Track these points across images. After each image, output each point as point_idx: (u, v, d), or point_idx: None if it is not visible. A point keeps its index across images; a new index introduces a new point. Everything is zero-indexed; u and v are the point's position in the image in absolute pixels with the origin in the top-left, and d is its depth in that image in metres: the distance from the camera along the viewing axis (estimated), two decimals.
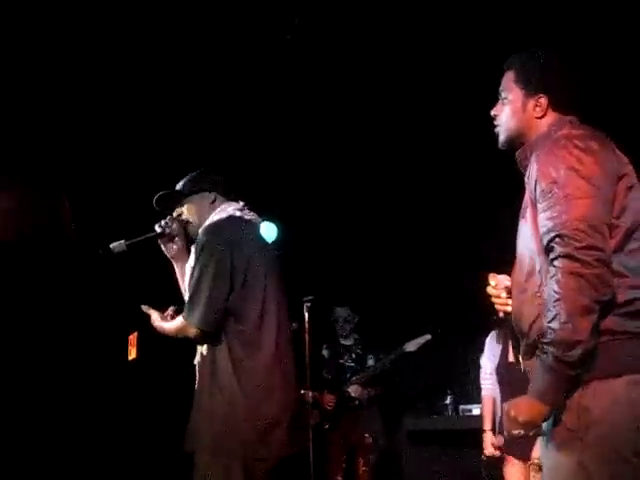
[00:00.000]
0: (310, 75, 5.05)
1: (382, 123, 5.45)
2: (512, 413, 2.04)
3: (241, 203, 3.25)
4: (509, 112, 2.37)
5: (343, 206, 6.18)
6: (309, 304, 5.14)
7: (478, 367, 4.97)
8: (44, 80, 4.98)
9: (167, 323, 3.17)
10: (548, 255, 2.03)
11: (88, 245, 3.14)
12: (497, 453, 4.61)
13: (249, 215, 3.24)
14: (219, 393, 2.93)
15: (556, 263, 1.98)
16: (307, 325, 5.13)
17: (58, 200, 6.09)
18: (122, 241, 3.20)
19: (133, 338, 6.70)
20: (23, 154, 5.64)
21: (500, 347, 4.64)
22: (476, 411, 5.68)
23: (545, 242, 2.04)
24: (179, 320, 3.10)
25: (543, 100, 2.31)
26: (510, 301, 2.30)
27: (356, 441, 5.74)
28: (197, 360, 3.10)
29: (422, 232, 6.12)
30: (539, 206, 2.09)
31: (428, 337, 5.61)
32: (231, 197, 3.29)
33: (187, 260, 3.27)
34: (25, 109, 5.25)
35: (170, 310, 3.27)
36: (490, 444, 4.66)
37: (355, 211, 6.19)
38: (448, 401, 5.87)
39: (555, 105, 2.32)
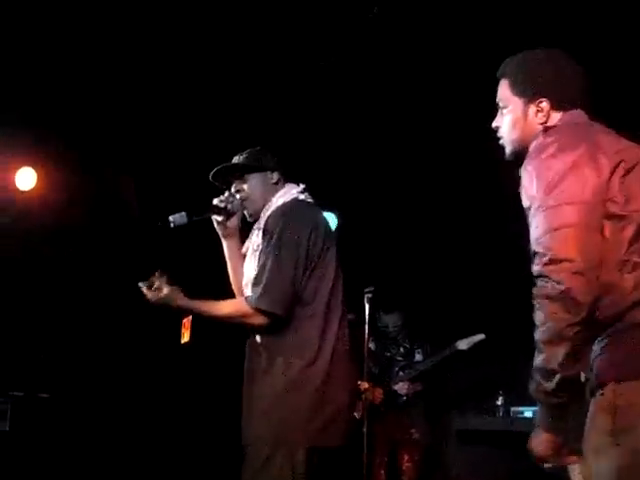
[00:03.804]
0: (373, 66, 5.02)
1: (446, 119, 5.37)
2: (530, 449, 2.00)
3: (302, 186, 3.15)
4: (510, 123, 2.23)
5: (401, 198, 6.13)
6: (370, 295, 5.03)
7: (530, 369, 4.88)
8: (113, 71, 5.09)
9: (213, 305, 2.94)
10: None
11: (150, 224, 3.01)
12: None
13: (310, 199, 3.14)
14: (281, 380, 2.81)
15: (534, 285, 1.90)
16: (368, 316, 5.03)
17: (124, 181, 6.21)
18: (183, 213, 2.96)
19: (187, 322, 6.77)
20: (94, 140, 5.78)
21: None
22: (528, 413, 5.59)
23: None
24: (235, 304, 2.96)
25: (544, 104, 2.16)
26: None
27: (400, 436, 5.69)
28: (248, 346, 2.99)
29: (484, 232, 6.03)
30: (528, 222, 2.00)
31: (482, 336, 5.51)
32: (291, 179, 3.18)
33: (239, 240, 3.16)
34: (94, 100, 5.37)
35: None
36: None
37: (412, 204, 6.14)
38: (499, 402, 5.77)
39: (558, 104, 2.16)
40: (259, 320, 2.86)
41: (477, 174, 5.60)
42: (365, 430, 4.88)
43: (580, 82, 2.21)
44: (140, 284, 2.91)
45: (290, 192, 3.10)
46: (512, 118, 2.23)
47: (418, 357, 5.85)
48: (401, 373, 5.77)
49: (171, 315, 6.59)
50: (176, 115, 5.53)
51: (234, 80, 5.16)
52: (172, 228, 2.96)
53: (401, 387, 5.69)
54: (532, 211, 1.95)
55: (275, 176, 3.14)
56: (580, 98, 2.19)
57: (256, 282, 2.89)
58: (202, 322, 6.47)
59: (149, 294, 2.91)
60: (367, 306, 5.05)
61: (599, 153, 1.97)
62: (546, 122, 2.16)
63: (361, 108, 5.40)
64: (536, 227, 1.92)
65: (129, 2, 4.49)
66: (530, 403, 5.52)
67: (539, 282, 1.87)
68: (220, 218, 3.11)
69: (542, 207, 1.92)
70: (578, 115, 2.17)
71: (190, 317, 6.69)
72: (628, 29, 4.18)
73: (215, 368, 6.25)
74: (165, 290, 2.90)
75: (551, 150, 1.99)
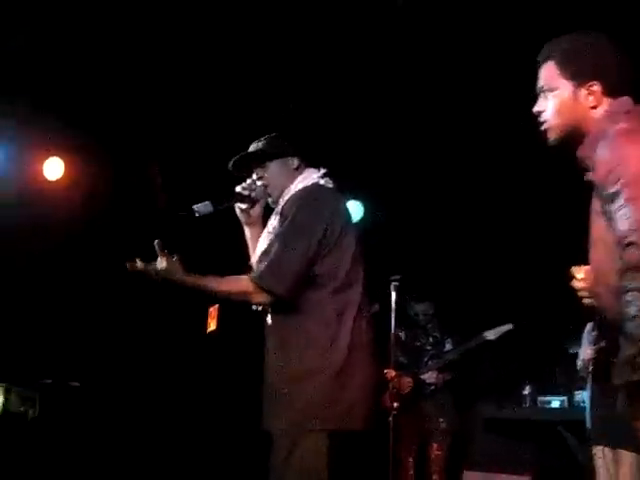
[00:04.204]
0: (403, 55, 4.98)
1: (474, 111, 5.32)
2: None
3: (322, 170, 3.10)
4: (557, 106, 2.15)
5: (432, 186, 6.09)
6: (397, 283, 4.97)
7: (559, 359, 4.85)
8: (141, 62, 5.10)
9: (213, 280, 2.86)
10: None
11: (176, 212, 2.97)
12: None
13: (330, 184, 3.09)
14: (298, 369, 2.78)
15: (625, 276, 1.84)
16: (394, 305, 4.95)
17: (150, 169, 6.24)
18: (207, 202, 2.91)
19: (214, 311, 6.78)
20: (120, 129, 5.80)
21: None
22: (555, 403, 5.57)
23: (620, 251, 1.88)
24: (238, 280, 2.87)
25: (596, 87, 2.11)
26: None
27: (429, 426, 5.67)
28: (265, 337, 2.95)
29: (512, 221, 5.98)
30: (612, 209, 1.94)
31: (510, 326, 5.45)
32: (311, 164, 3.14)
33: (261, 228, 3.11)
34: (121, 89, 5.39)
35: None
36: None
37: (443, 193, 6.10)
38: (527, 391, 5.75)
39: (609, 89, 2.11)
40: (261, 298, 2.82)
41: (508, 162, 5.56)
42: (391, 419, 4.86)
43: (629, 69, 2.16)
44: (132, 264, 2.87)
45: (311, 177, 3.06)
46: (559, 102, 2.16)
47: (448, 347, 5.79)
48: (430, 362, 5.74)
49: (197, 304, 6.64)
50: (202, 105, 5.53)
51: (259, 68, 5.14)
52: (197, 217, 2.92)
53: (430, 376, 5.65)
54: (618, 200, 1.89)
55: (296, 161, 3.10)
56: (628, 85, 2.14)
57: (262, 260, 2.86)
58: (228, 311, 6.53)
59: (147, 267, 2.87)
60: (393, 294, 4.99)
61: None
62: (596, 107, 2.11)
63: (390, 98, 5.36)
64: (626, 218, 1.86)
65: None
66: (557, 393, 5.50)
67: (634, 274, 1.82)
68: (244, 206, 3.10)
69: (631, 198, 1.86)
70: (627, 102, 2.12)
71: (217, 306, 6.70)
72: None
73: (241, 358, 6.26)
74: (163, 263, 2.85)
75: (635, 137, 1.95)
